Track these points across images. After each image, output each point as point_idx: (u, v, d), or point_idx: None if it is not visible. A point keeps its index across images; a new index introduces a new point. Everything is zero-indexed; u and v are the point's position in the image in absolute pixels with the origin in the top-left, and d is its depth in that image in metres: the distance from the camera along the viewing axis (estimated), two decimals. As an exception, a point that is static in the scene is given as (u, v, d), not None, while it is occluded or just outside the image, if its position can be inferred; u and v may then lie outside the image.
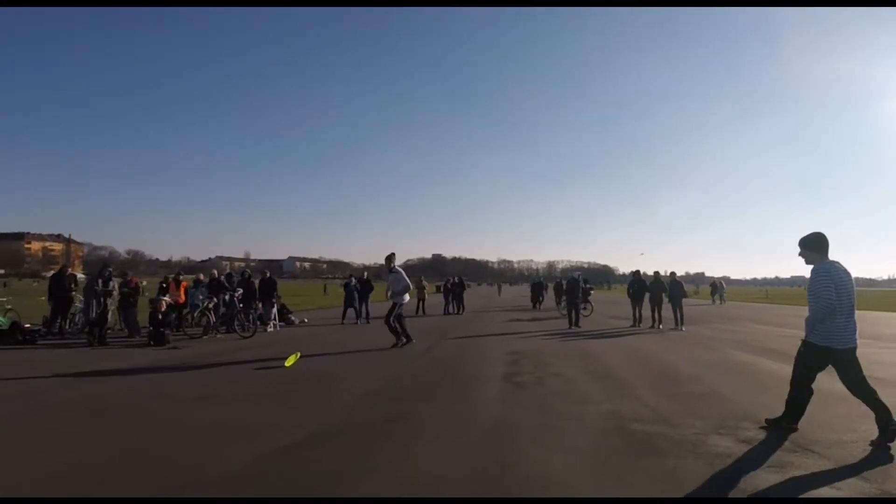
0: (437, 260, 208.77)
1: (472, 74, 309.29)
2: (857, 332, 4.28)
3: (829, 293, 4.11)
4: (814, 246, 4.40)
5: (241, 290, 12.76)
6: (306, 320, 16.81)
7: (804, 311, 4.50)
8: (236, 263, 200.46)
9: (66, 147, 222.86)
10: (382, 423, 4.79)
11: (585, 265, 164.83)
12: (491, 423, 4.76)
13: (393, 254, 10.42)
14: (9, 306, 14.02)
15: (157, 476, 3.39)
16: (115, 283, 10.55)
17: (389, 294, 10.42)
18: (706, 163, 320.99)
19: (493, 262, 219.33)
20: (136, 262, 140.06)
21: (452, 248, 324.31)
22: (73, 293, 11.15)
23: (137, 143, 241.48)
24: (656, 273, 15.27)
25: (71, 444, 4.09)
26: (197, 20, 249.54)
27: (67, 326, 11.37)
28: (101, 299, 10.00)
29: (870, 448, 4.02)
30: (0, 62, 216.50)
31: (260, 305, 13.27)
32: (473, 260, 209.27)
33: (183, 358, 8.65)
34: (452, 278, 22.59)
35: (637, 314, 15.17)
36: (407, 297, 10.62)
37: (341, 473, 3.47)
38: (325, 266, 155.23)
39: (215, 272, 13.45)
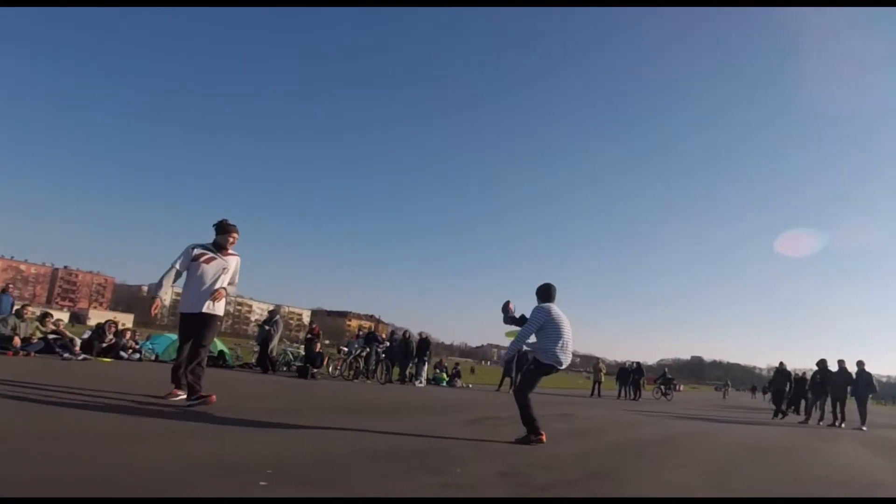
0: (696, 362, 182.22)
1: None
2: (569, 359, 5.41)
3: (531, 326, 5.30)
4: (538, 294, 5.58)
5: (387, 344, 14.76)
6: (470, 386, 18.03)
7: None
8: (502, 352, 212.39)
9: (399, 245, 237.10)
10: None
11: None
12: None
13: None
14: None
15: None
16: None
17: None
18: None
19: (761, 369, 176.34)
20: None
21: (714, 351, 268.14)
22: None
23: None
24: (841, 362, 13.72)
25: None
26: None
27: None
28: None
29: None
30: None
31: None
32: (737, 364, 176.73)
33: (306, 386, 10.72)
34: (631, 363, 22.91)
35: (820, 410, 14.13)
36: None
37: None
38: (577, 360, 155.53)
39: (372, 326, 15.87)
